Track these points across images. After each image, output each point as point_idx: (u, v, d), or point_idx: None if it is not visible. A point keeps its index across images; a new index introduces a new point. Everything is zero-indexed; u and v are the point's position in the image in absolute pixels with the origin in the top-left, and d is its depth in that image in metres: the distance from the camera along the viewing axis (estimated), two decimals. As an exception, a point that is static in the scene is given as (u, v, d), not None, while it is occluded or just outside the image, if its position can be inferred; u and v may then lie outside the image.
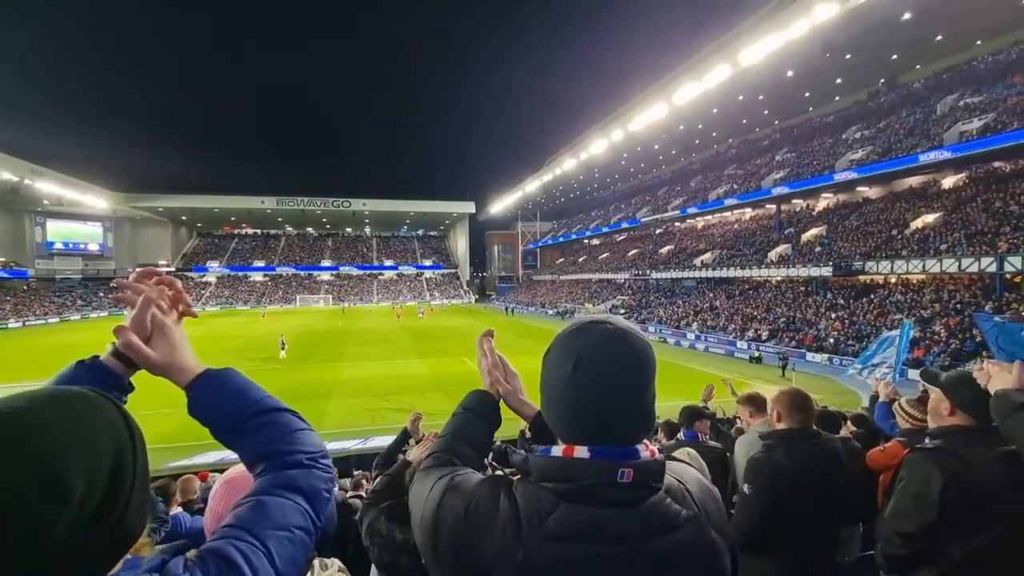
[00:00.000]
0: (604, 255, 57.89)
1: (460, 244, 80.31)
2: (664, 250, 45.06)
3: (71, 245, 58.84)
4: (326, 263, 74.40)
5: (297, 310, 57.85)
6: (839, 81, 32.02)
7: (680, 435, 3.39)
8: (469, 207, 73.78)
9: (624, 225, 52.80)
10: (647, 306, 39.20)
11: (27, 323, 40.38)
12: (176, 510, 3.08)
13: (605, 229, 57.09)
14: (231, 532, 0.63)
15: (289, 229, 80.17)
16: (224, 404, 0.78)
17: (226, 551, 0.59)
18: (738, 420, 3.91)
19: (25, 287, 51.24)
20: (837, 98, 35.13)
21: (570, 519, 0.71)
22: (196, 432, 8.01)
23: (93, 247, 61.08)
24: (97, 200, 55.54)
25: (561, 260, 71.05)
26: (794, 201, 34.95)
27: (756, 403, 2.91)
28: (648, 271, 42.65)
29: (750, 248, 34.07)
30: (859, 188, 30.50)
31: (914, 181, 28.15)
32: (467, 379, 17.70)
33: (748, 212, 40.21)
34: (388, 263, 77.21)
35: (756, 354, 22.65)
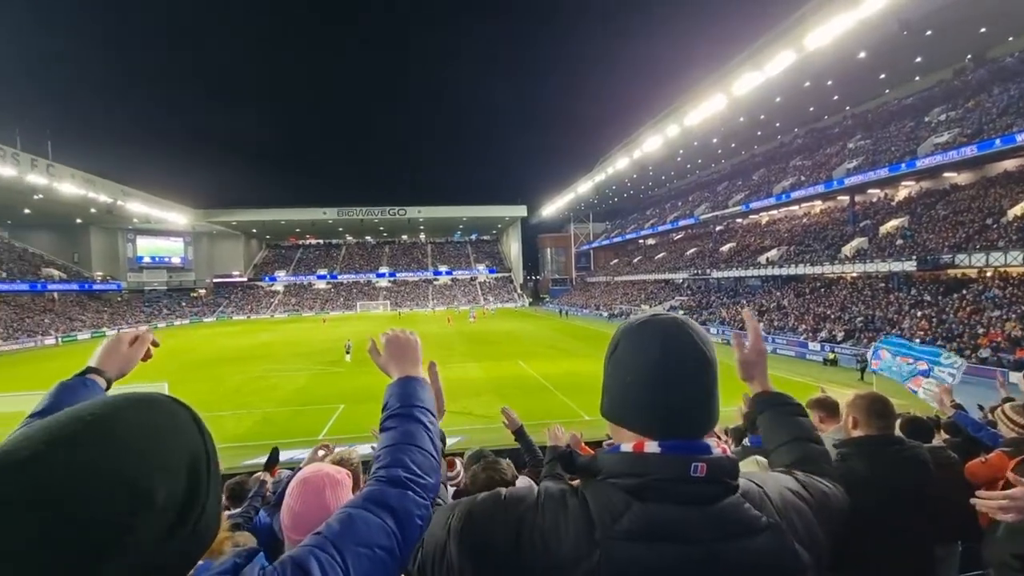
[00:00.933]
0: (660, 255, 56.29)
1: (513, 248, 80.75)
2: (725, 248, 43.19)
3: (157, 259, 64.64)
4: (383, 270, 77.08)
5: (357, 316, 60.28)
6: (919, 60, 29.46)
7: (746, 441, 3.20)
8: (521, 211, 74.07)
9: (681, 223, 51.17)
10: (708, 306, 37.70)
11: (121, 331, 44.33)
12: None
13: (661, 228, 55.52)
14: (316, 541, 0.65)
15: (349, 238, 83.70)
16: (389, 398, 0.92)
17: (306, 561, 0.60)
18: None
19: (119, 298, 56.52)
20: (917, 78, 32.33)
21: (645, 518, 0.69)
22: (267, 432, 8.46)
23: (176, 260, 66.66)
24: (179, 217, 60.55)
25: (615, 261, 69.78)
26: (870, 191, 32.46)
27: (827, 408, 2.69)
28: (708, 270, 41.02)
29: (821, 243, 31.97)
30: (946, 174, 27.85)
31: (1010, 164, 25.35)
32: (522, 382, 17.78)
33: (818, 205, 37.79)
34: (442, 268, 78.87)
35: (830, 356, 21.19)
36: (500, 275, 78.96)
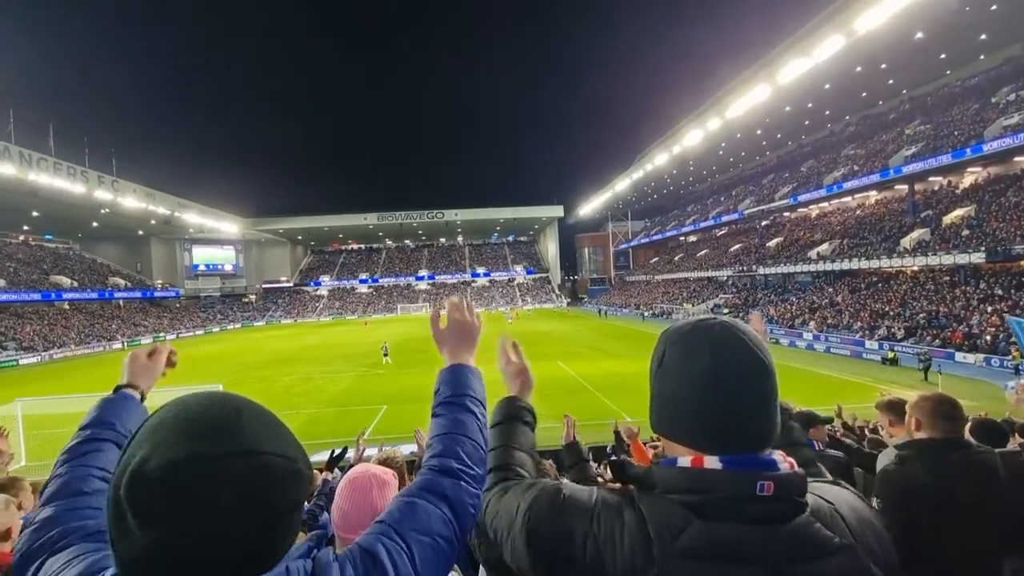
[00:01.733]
0: (703, 252, 54.71)
1: (550, 248, 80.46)
2: (772, 243, 41.53)
3: (211, 267, 68.58)
4: (423, 273, 78.30)
5: (398, 318, 61.62)
6: (983, 37, 27.42)
7: None
8: (557, 211, 73.75)
9: (725, 219, 49.57)
10: (754, 304, 36.36)
11: (180, 335, 47.15)
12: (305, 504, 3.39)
13: (703, 224, 53.95)
14: (381, 529, 0.68)
15: (389, 243, 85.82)
16: (442, 385, 0.94)
17: (374, 547, 0.64)
18: (880, 430, 3.40)
19: (177, 304, 60.06)
20: (982, 57, 30.11)
21: (707, 536, 0.65)
22: (316, 430, 8.77)
23: (228, 267, 70.42)
24: (230, 226, 63.83)
25: (655, 259, 68.34)
26: (931, 179, 30.45)
27: (896, 410, 2.51)
28: (754, 266, 39.55)
29: (877, 236, 30.25)
30: (1016, 158, 25.76)
31: (1093, 145, 23.20)
32: (562, 383, 17.67)
33: (872, 196, 35.80)
34: (480, 270, 79.46)
35: (890, 355, 20.01)
36: (538, 276, 78.85)
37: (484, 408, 0.92)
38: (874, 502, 1.65)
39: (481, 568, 1.79)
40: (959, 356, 18.92)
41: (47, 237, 53.13)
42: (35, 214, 43.35)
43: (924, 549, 1.52)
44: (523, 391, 1.06)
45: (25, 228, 49.06)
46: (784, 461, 0.70)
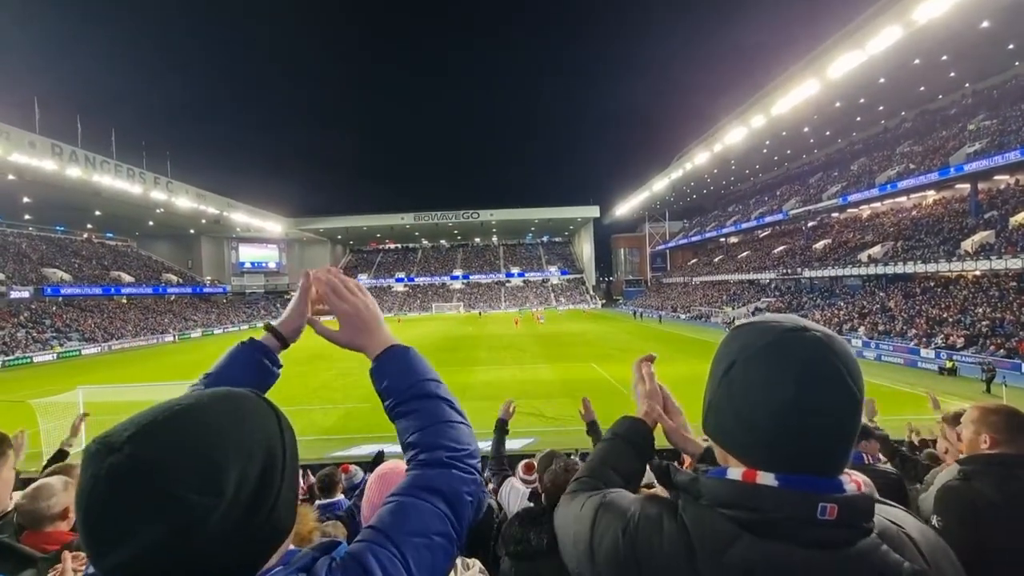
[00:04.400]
0: (744, 254, 52.97)
1: (585, 249, 79.77)
2: (819, 245, 39.77)
3: (256, 264, 71.69)
4: (457, 272, 79.19)
5: (433, 317, 62.36)
6: (1058, 24, 25.39)
7: None
8: (593, 211, 73.08)
9: (768, 219, 47.78)
10: (798, 308, 34.89)
11: (226, 330, 49.25)
12: (339, 497, 3.41)
13: (745, 225, 52.16)
14: (372, 536, 0.64)
15: (425, 242, 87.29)
16: (391, 380, 0.82)
17: (364, 558, 0.60)
18: (940, 444, 3.12)
19: (225, 300, 62.71)
20: (1056, 45, 27.90)
21: (761, 554, 0.59)
22: (353, 425, 8.86)
23: (271, 265, 73.45)
24: (274, 226, 66.48)
25: (694, 261, 66.66)
26: (996, 178, 28.41)
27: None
28: (799, 269, 37.97)
29: (935, 238, 28.48)
30: (1097, 154, 23.75)
31: None
32: (595, 385, 17.43)
33: (930, 195, 33.77)
34: (515, 271, 79.66)
35: (948, 364, 18.78)
36: (572, 277, 78.34)
37: (443, 384, 0.83)
38: (933, 520, 1.54)
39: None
40: (1027, 368, 17.58)
41: (108, 235, 56.71)
42: (97, 213, 46.33)
43: (995, 572, 1.40)
44: (648, 415, 0.95)
45: (88, 226, 52.54)
46: (851, 481, 0.62)
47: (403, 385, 0.81)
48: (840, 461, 0.63)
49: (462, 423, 0.80)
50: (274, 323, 0.93)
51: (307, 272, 0.94)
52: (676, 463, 0.78)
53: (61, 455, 3.26)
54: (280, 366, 0.92)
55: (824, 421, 0.61)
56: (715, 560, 0.60)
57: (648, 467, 0.89)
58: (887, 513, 0.68)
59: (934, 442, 3.47)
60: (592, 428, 2.67)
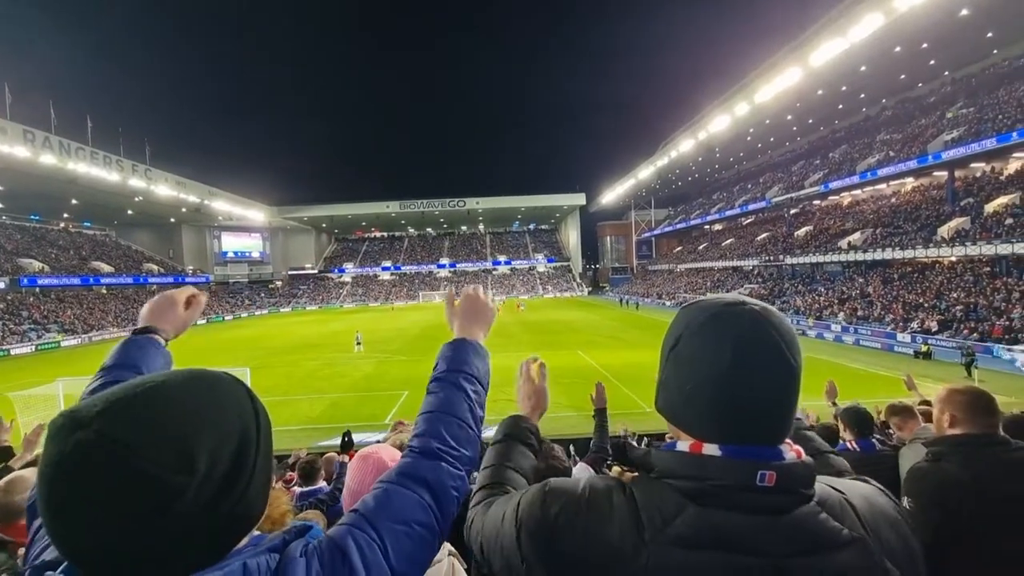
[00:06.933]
0: (728, 241, 53.60)
1: (571, 237, 79.91)
2: (801, 232, 40.41)
3: (239, 254, 70.45)
4: (444, 261, 78.79)
5: (420, 306, 62.16)
6: (1036, 13, 25.83)
7: (852, 443, 2.56)
8: (579, 199, 73.13)
9: (751, 207, 48.34)
10: (781, 294, 35.51)
11: (210, 320, 48.59)
12: (320, 484, 3.45)
13: (729, 212, 52.72)
14: (353, 519, 0.64)
15: (411, 231, 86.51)
16: (440, 360, 0.89)
17: (343, 541, 0.60)
18: (889, 430, 3.23)
19: (208, 290, 61.72)
20: (1032, 34, 28.40)
21: (702, 523, 0.61)
22: (337, 416, 8.88)
23: (255, 254, 72.24)
24: (257, 214, 65.13)
25: (679, 249, 67.24)
26: (973, 165, 29.04)
27: (900, 412, 2.64)
28: (781, 256, 38.57)
29: (913, 224, 29.12)
30: (1069, 143, 24.36)
31: None
32: (583, 372, 17.62)
33: (909, 183, 34.37)
34: (501, 259, 79.52)
35: (923, 348, 19.33)
36: (559, 264, 78.51)
37: (480, 386, 0.88)
38: (904, 502, 1.58)
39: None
40: (998, 350, 18.18)
41: (86, 224, 55.20)
42: (74, 202, 44.96)
43: (964, 548, 1.46)
44: (533, 413, 1.03)
45: (65, 215, 51.02)
46: (791, 450, 0.65)
47: (443, 366, 0.88)
48: (781, 430, 0.65)
49: (470, 426, 0.81)
50: (150, 325, 1.07)
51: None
52: (631, 440, 0.83)
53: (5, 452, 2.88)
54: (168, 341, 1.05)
55: (761, 391, 0.63)
56: (661, 532, 0.61)
57: (607, 446, 0.96)
58: (832, 482, 0.69)
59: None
60: (600, 415, 2.72)
